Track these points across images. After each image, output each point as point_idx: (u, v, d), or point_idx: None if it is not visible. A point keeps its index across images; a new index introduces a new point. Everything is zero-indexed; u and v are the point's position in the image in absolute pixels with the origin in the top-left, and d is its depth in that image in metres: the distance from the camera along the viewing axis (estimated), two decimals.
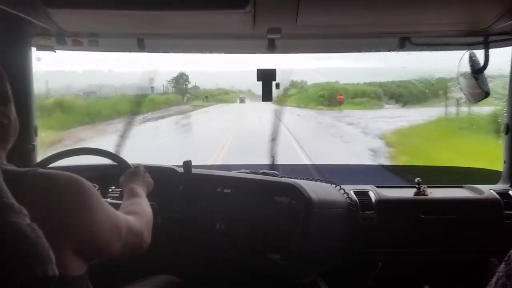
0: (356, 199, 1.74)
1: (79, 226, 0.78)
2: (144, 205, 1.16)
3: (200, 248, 1.62)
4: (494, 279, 0.72)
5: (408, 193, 1.80)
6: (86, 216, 0.80)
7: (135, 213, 1.05)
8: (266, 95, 1.65)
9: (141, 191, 1.25)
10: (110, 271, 1.35)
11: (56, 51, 1.73)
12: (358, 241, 1.72)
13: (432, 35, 1.68)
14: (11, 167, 0.79)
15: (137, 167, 1.40)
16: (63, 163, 1.60)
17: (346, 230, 1.70)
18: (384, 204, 1.73)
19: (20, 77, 1.63)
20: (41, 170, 0.78)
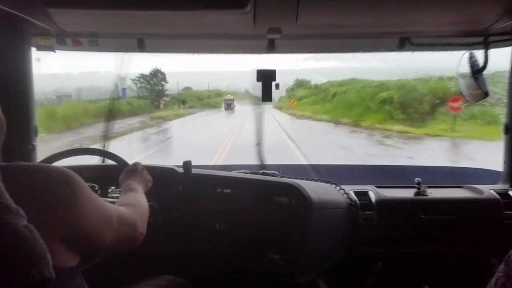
0: (356, 199, 1.74)
1: (66, 217, 0.77)
2: (139, 198, 1.15)
3: (200, 248, 1.62)
4: (493, 279, 0.72)
5: (408, 193, 1.80)
6: (72, 206, 0.79)
7: (129, 205, 1.05)
8: (266, 96, 1.65)
9: (138, 187, 1.25)
10: (111, 272, 1.35)
11: (56, 51, 1.73)
12: (358, 241, 1.72)
13: (432, 35, 1.68)
14: None
15: (134, 164, 1.39)
16: (63, 163, 1.60)
17: (346, 230, 1.70)
18: (384, 204, 1.73)
19: (20, 77, 1.63)
20: (24, 163, 0.77)
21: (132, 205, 1.06)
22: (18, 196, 0.68)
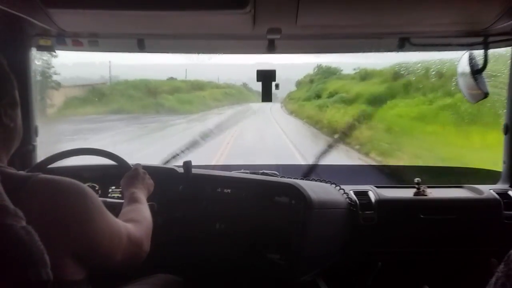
0: (356, 199, 1.74)
1: (80, 233, 0.79)
2: (144, 212, 1.15)
3: (200, 248, 1.62)
4: (493, 279, 0.73)
5: (407, 193, 1.80)
6: (87, 223, 0.80)
7: (135, 221, 1.05)
8: (266, 96, 1.66)
9: (142, 196, 1.24)
10: (108, 271, 1.35)
11: (56, 51, 1.73)
12: (358, 241, 1.72)
13: (432, 36, 1.68)
14: (13, 170, 0.79)
15: (136, 169, 1.37)
16: (63, 163, 1.60)
17: (346, 230, 1.71)
18: (384, 204, 1.73)
19: (20, 78, 1.62)
20: (43, 175, 0.79)
21: (138, 221, 1.06)
22: (35, 209, 0.71)
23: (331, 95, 13.40)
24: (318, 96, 14.71)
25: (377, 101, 10.39)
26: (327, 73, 15.85)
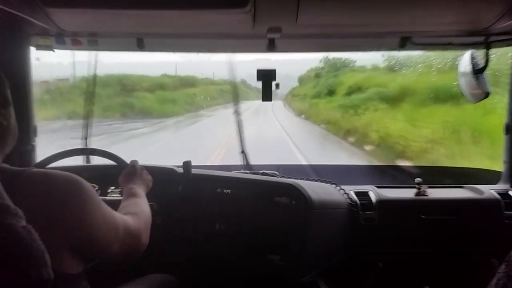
0: (357, 199, 1.74)
1: (76, 225, 0.78)
2: (142, 205, 1.15)
3: (200, 248, 1.61)
4: (494, 280, 0.72)
5: (408, 193, 1.80)
6: (83, 215, 0.80)
7: (133, 214, 1.04)
8: (266, 96, 1.66)
9: (140, 191, 1.24)
10: (107, 271, 1.34)
11: (55, 50, 1.72)
12: (359, 242, 1.72)
13: (433, 35, 1.67)
14: (6, 166, 0.79)
15: (133, 165, 1.37)
16: (62, 163, 1.60)
17: (347, 231, 1.70)
18: (385, 204, 1.72)
19: (19, 77, 1.63)
20: (37, 169, 0.79)
21: (136, 214, 1.06)
22: (30, 203, 0.70)
23: (352, 90, 10.70)
24: (331, 92, 12.13)
25: (448, 99, 6.65)
26: (337, 65, 13.37)
